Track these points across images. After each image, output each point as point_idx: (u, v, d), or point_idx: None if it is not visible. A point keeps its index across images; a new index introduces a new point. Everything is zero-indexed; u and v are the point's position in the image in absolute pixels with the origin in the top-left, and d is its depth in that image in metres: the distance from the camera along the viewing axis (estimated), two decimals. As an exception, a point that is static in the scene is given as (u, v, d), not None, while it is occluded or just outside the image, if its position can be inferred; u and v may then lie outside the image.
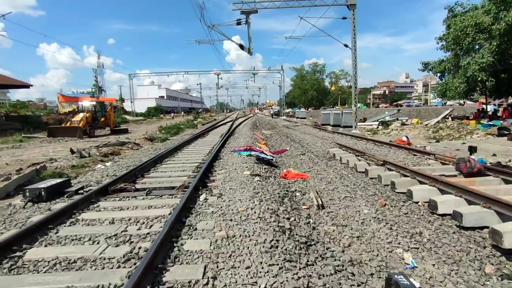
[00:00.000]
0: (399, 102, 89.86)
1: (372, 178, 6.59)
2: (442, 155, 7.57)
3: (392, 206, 4.89)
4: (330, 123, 24.70)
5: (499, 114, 21.87)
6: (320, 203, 4.84)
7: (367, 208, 4.84)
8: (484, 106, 25.86)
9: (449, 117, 23.32)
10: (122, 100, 71.01)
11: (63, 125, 20.72)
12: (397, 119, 23.49)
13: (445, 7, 20.43)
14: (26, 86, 30.34)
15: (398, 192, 5.49)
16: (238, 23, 18.39)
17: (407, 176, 5.81)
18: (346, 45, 19.28)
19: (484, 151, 10.25)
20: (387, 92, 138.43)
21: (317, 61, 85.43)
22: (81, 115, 21.13)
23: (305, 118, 42.46)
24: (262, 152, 9.47)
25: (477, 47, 17.92)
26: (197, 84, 76.16)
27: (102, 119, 22.92)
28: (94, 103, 22.72)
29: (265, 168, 7.34)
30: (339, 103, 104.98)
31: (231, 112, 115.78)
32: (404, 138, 11.35)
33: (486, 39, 16.89)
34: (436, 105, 61.58)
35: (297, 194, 5.74)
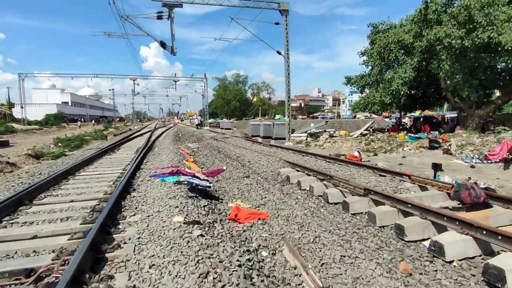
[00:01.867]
0: (315, 114, 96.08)
1: (355, 215, 4.86)
2: (417, 176, 6.37)
3: (421, 273, 3.12)
4: (260, 134, 23.33)
5: (415, 127, 23.56)
6: (320, 286, 2.75)
7: (386, 279, 2.98)
8: (392, 120, 28.09)
9: (370, 129, 24.32)
10: (10, 104, 58.63)
11: None
12: (325, 131, 23.45)
13: (368, 24, 21.29)
14: None
15: (409, 241, 3.81)
16: (159, 17, 15.59)
17: (412, 214, 4.20)
18: (279, 52, 18.18)
19: (427, 165, 9.75)
20: (302, 104, 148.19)
21: (239, 72, 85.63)
22: None
23: (230, 128, 40.82)
24: (194, 176, 7.06)
25: (396, 63, 18.81)
26: (109, 90, 67.91)
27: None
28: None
29: (203, 205, 4.97)
30: (260, 114, 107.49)
31: (149, 121, 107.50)
32: (356, 154, 10.29)
33: (407, 55, 17.71)
34: (348, 118, 67.21)
35: (264, 254, 3.59)
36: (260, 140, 21.42)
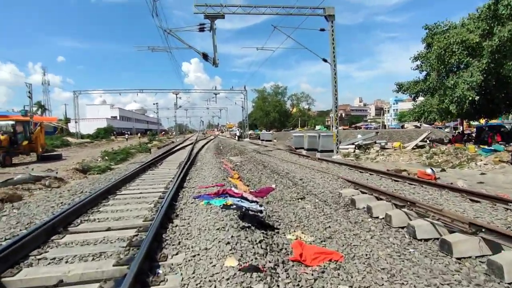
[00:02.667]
0: (358, 125, 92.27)
1: (462, 260, 3.61)
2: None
3: None
4: (304, 146, 22.12)
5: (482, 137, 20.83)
6: None
7: None
8: (443, 129, 25.27)
9: (427, 140, 21.99)
10: (67, 120, 63.50)
11: (-37, 151, 15.57)
12: (375, 143, 21.62)
13: (424, 26, 19.41)
14: None
15: None
16: (201, 29, 15.36)
17: None
18: (324, 60, 17.08)
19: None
20: (343, 115, 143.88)
21: (277, 84, 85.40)
22: (-8, 138, 16.24)
23: (270, 140, 39.98)
24: (242, 197, 6.18)
25: (462, 66, 16.71)
26: (153, 104, 71.07)
27: (25, 142, 18.04)
28: (12, 122, 17.81)
29: (258, 239, 4.02)
30: (299, 125, 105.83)
31: (191, 133, 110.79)
32: (429, 171, 8.76)
33: (473, 57, 15.65)
34: (395, 128, 63.27)
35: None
36: (304, 152, 20.24)
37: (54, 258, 3.53)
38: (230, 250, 3.51)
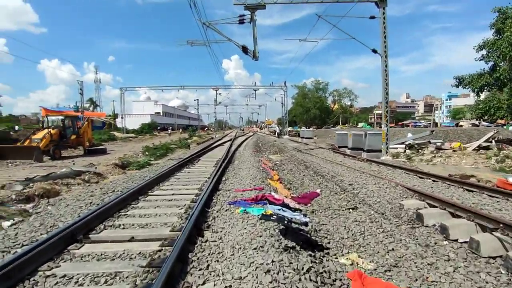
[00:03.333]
0: (405, 122, 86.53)
1: None
2: None
3: None
4: (348, 145, 20.65)
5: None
6: None
7: None
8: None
9: (492, 141, 19.37)
10: (115, 116, 67.22)
11: (18, 144, 16.55)
12: (429, 142, 19.53)
13: (492, 9, 16.91)
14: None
15: None
16: (241, 21, 14.69)
17: None
18: (374, 51, 15.55)
19: None
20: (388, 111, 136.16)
21: (318, 79, 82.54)
22: (44, 132, 17.07)
23: (311, 138, 38.51)
24: (284, 205, 5.36)
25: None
26: (194, 100, 72.94)
27: (73, 136, 18.80)
28: (62, 117, 18.66)
29: (306, 267, 3.16)
30: (340, 122, 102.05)
31: (230, 129, 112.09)
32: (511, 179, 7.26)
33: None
34: (449, 126, 58.11)
35: None
36: (348, 152, 18.84)
37: (64, 276, 2.99)
38: (271, 282, 2.71)
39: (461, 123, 56.47)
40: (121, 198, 5.51)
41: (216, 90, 49.61)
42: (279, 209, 4.95)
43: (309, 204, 6.24)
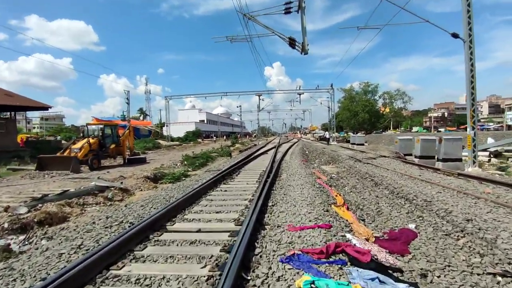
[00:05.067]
0: (468, 125, 77.62)
1: None
2: None
3: None
4: (415, 153, 17.40)
5: None
6: None
7: None
8: None
9: None
10: (162, 124, 68.99)
11: (58, 154, 16.11)
12: (524, 149, 15.60)
13: None
14: (45, 108, 27.76)
15: None
16: (287, 11, 12.65)
17: None
18: (455, 35, 12.45)
19: None
20: (446, 114, 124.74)
21: (367, 81, 77.12)
22: (83, 141, 16.49)
23: (362, 144, 35.00)
24: (376, 264, 3.11)
25: None
26: (237, 107, 72.57)
27: (113, 146, 18.10)
28: (101, 126, 18.06)
29: None
30: (391, 126, 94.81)
31: (273, 136, 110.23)
32: None
33: None
34: (525, 129, 50.03)
35: None
36: (416, 161, 15.69)
37: None
38: None
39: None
40: (125, 238, 3.68)
41: (259, 96, 48.09)
42: (373, 279, 2.72)
43: (407, 254, 3.87)
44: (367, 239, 4.18)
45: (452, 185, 7.29)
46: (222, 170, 11.54)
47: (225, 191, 7.61)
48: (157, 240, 4.08)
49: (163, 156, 26.02)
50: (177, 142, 47.63)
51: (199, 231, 4.46)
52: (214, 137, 67.17)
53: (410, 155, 18.64)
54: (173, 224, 4.80)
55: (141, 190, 9.81)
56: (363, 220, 5.39)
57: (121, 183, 9.54)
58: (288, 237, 3.94)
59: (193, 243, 3.94)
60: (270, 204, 5.79)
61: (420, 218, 5.10)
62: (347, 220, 4.83)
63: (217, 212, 5.47)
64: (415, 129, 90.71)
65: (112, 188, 9.03)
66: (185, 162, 17.92)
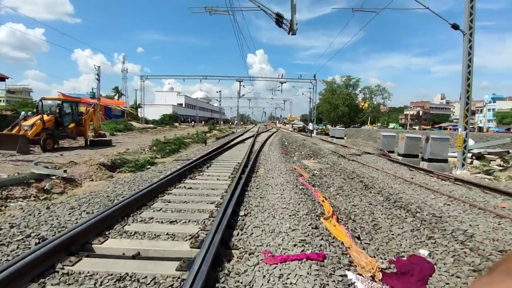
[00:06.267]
0: (443, 125, 79.84)
1: None
2: None
3: None
4: (398, 151, 16.72)
5: None
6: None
7: None
8: None
9: None
10: (137, 105, 65.61)
11: (5, 131, 13.95)
12: (508, 152, 15.24)
13: None
14: (2, 78, 24.91)
15: None
16: (276, -16, 11.11)
17: None
18: (455, 26, 11.49)
19: None
20: (421, 112, 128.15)
21: (349, 75, 76.98)
22: (36, 118, 14.45)
23: (342, 138, 34.45)
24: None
25: None
26: (217, 92, 70.27)
27: (72, 125, 16.09)
28: (58, 102, 15.94)
29: None
30: (369, 121, 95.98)
31: (252, 124, 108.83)
32: None
33: None
34: (497, 131, 51.74)
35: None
36: (400, 159, 14.96)
37: None
38: None
39: (513, 129, 50.10)
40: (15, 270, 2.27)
41: (240, 82, 46.32)
42: None
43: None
44: (373, 277, 3.01)
45: (456, 194, 6.33)
46: (192, 160, 10.15)
47: (190, 188, 6.24)
48: (66, 274, 2.69)
49: (133, 139, 24.06)
50: (152, 125, 45.17)
51: (136, 256, 3.10)
52: (192, 122, 64.84)
53: (392, 152, 18.00)
54: (103, 242, 3.41)
55: (92, 180, 8.24)
56: (358, 237, 4.24)
57: (65, 171, 7.91)
58: (264, 276, 2.67)
59: (121, 280, 2.60)
60: (242, 213, 4.49)
61: (432, 241, 4.01)
62: (342, 243, 3.64)
63: (171, 222, 4.12)
64: (391, 125, 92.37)
65: (53, 177, 7.42)
66: (154, 148, 16.28)
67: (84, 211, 4.38)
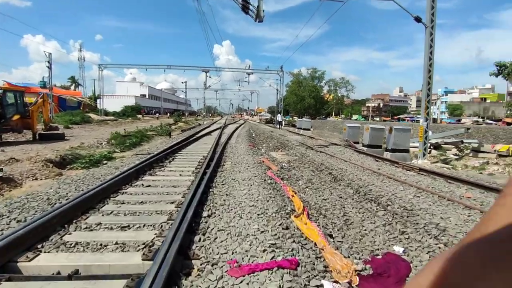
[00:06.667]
0: (401, 116, 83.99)
1: None
2: None
3: None
4: (362, 141, 17.05)
5: None
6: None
7: None
8: None
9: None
10: (96, 96, 61.63)
11: None
12: (462, 142, 16.10)
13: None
14: None
15: None
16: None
17: None
18: (418, 19, 11.67)
19: None
20: (381, 105, 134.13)
21: (315, 68, 78.19)
22: (-31, 109, 12.82)
23: (309, 129, 34.86)
24: None
25: None
26: (182, 83, 68.14)
27: (16, 117, 14.53)
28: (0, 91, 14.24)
29: None
30: (333, 113, 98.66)
31: (219, 116, 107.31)
32: None
33: None
34: (449, 122, 55.43)
35: None
36: (365, 149, 15.23)
37: None
38: None
39: (464, 120, 53.94)
40: None
41: (206, 72, 45.08)
42: None
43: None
44: (349, 283, 2.73)
45: (423, 184, 6.35)
46: (154, 154, 9.46)
47: (148, 186, 5.65)
48: None
49: (91, 132, 22.40)
50: (112, 117, 42.70)
51: (73, 274, 2.55)
52: (157, 114, 62.42)
53: (357, 143, 18.36)
54: (33, 258, 2.79)
55: (36, 179, 7.31)
56: (331, 235, 3.99)
57: (0, 169, 6.91)
58: (230, 281, 2.27)
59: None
60: (205, 213, 4.04)
61: (406, 237, 3.84)
62: (315, 244, 3.34)
63: (122, 228, 3.57)
64: (354, 117, 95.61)
65: (-13, 177, 6.43)
66: (113, 142, 15.18)
67: (14, 219, 3.68)
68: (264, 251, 2.94)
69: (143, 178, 6.29)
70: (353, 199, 5.59)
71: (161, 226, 3.61)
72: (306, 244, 3.26)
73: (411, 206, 4.86)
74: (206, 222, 3.71)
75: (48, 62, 31.27)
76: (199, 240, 3.19)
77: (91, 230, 3.49)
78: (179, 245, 2.84)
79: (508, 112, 42.98)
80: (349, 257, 3.35)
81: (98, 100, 56.11)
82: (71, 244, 3.09)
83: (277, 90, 46.06)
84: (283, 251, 2.96)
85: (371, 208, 5.04)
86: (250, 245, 3.08)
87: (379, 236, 3.99)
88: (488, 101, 79.45)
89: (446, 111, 79.54)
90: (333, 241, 3.81)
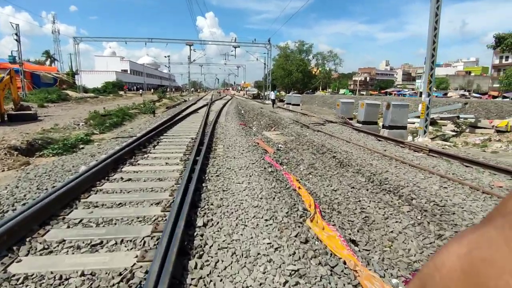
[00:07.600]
0: (388, 90, 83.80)
1: None
2: None
3: None
4: (358, 118, 16.39)
5: None
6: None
7: None
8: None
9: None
10: (74, 72, 58.20)
11: None
12: (458, 118, 15.67)
13: None
14: None
15: None
16: None
17: None
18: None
19: None
20: (368, 79, 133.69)
21: (302, 40, 75.94)
22: None
23: (298, 105, 33.97)
24: None
25: None
26: (165, 57, 65.08)
27: (-20, 96, 13.04)
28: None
29: None
30: (320, 87, 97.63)
31: (205, 92, 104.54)
32: None
33: None
34: (436, 96, 55.46)
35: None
36: (360, 126, 14.60)
37: None
38: None
39: (450, 94, 54.12)
40: None
41: (190, 45, 42.82)
42: None
43: None
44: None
45: (441, 170, 5.71)
46: (136, 136, 8.48)
47: (128, 180, 4.76)
48: None
49: (68, 111, 20.84)
50: (92, 94, 40.47)
51: None
52: (140, 90, 59.83)
53: (351, 119, 17.72)
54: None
55: (-4, 170, 6.27)
56: (353, 241, 3.28)
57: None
58: None
59: None
60: (200, 222, 3.22)
61: (446, 242, 3.17)
62: (344, 263, 2.60)
63: (92, 247, 2.72)
64: (342, 91, 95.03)
65: None
66: (92, 122, 13.94)
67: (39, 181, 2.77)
68: (285, 284, 2.17)
69: (122, 170, 5.38)
70: (367, 190, 4.89)
71: (144, 243, 2.78)
72: (336, 266, 2.52)
73: (441, 200, 4.19)
74: (202, 236, 2.90)
75: (16, 34, 28.61)
76: (195, 267, 2.39)
77: (50, 252, 2.64)
78: (169, 281, 2.04)
79: (495, 85, 43.12)
80: (384, 276, 2.66)
81: (76, 76, 53.01)
82: (17, 280, 2.24)
83: (265, 64, 44.51)
84: (310, 283, 2.20)
85: (391, 201, 4.35)
86: (264, 272, 2.31)
87: (412, 241, 3.31)
88: (472, 74, 79.96)
89: (433, 85, 79.81)
90: (359, 250, 3.11)
